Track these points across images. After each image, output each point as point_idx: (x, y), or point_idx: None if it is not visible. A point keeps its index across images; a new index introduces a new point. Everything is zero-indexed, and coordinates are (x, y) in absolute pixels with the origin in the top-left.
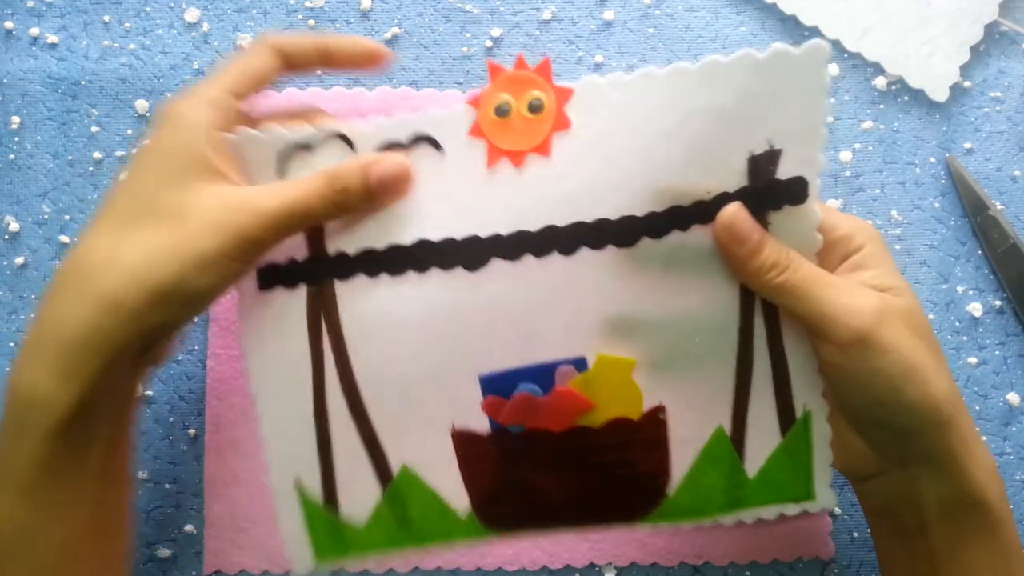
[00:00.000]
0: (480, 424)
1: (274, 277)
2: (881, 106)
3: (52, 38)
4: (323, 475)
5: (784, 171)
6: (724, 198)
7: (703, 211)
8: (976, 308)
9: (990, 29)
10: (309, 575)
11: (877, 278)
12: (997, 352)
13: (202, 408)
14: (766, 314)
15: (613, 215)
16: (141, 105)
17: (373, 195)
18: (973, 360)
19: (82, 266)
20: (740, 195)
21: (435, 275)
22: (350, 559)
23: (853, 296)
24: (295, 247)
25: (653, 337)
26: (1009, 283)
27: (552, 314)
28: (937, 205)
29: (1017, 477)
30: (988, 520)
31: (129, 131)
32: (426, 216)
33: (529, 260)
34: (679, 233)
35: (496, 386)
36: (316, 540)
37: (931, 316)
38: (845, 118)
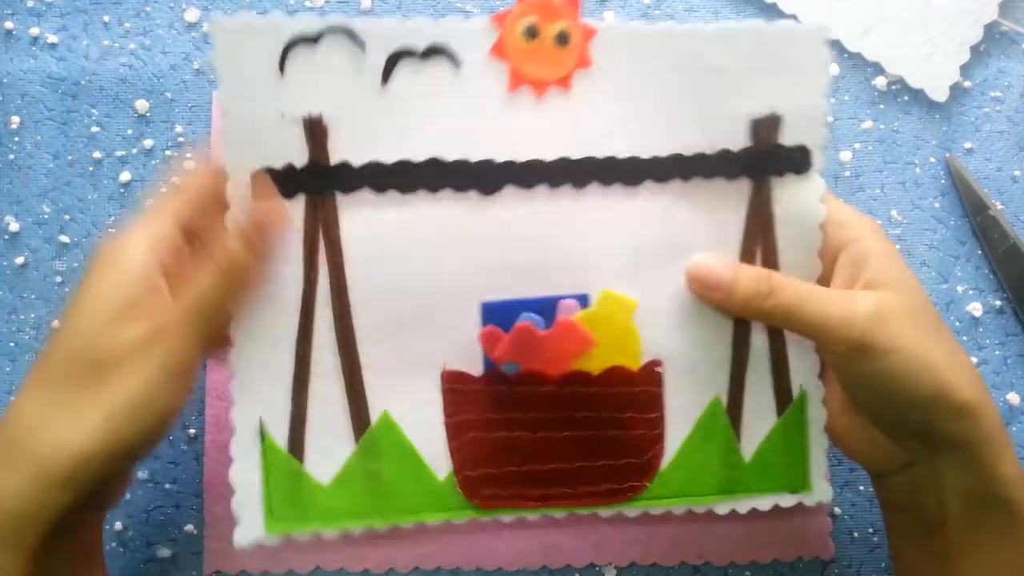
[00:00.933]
0: (473, 365)
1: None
2: (881, 106)
3: (52, 38)
4: (293, 417)
5: (786, 138)
6: (726, 154)
7: (705, 164)
8: (976, 308)
9: (990, 29)
10: (255, 544)
11: (876, 273)
12: (997, 352)
13: (202, 408)
14: None
15: (621, 154)
16: (141, 105)
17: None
18: (973, 360)
19: (11, 434)
20: (743, 154)
21: (447, 196)
22: (307, 528)
23: (843, 305)
24: (294, 149)
25: (655, 286)
26: (1009, 283)
27: (561, 248)
28: (937, 205)
29: None
30: (1009, 517)
31: (129, 131)
32: (438, 133)
33: (543, 190)
34: (680, 182)
35: (497, 315)
36: (271, 501)
37: None
38: (845, 118)
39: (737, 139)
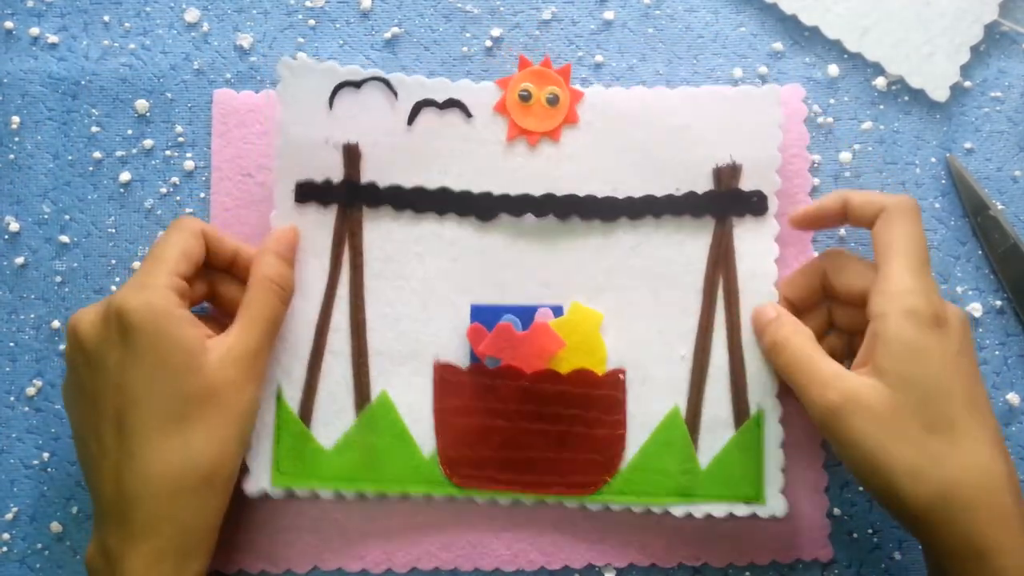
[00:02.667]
0: (461, 358)
1: (310, 192)
2: (881, 106)
3: (52, 38)
4: (306, 387)
5: (745, 184)
6: (693, 196)
7: (674, 204)
8: (976, 308)
9: (990, 29)
10: (261, 493)
11: (882, 359)
12: (997, 352)
13: None
14: (727, 309)
15: (599, 194)
16: (141, 105)
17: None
18: None
19: (170, 467)
20: (707, 197)
21: (451, 219)
22: (307, 486)
23: (818, 386)
24: (333, 168)
25: (624, 305)
26: (1009, 283)
27: (542, 267)
28: (937, 205)
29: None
30: None
31: (129, 131)
32: (449, 169)
33: (529, 219)
34: (652, 219)
35: (483, 316)
36: (279, 457)
37: None
38: (845, 118)
39: (702, 184)
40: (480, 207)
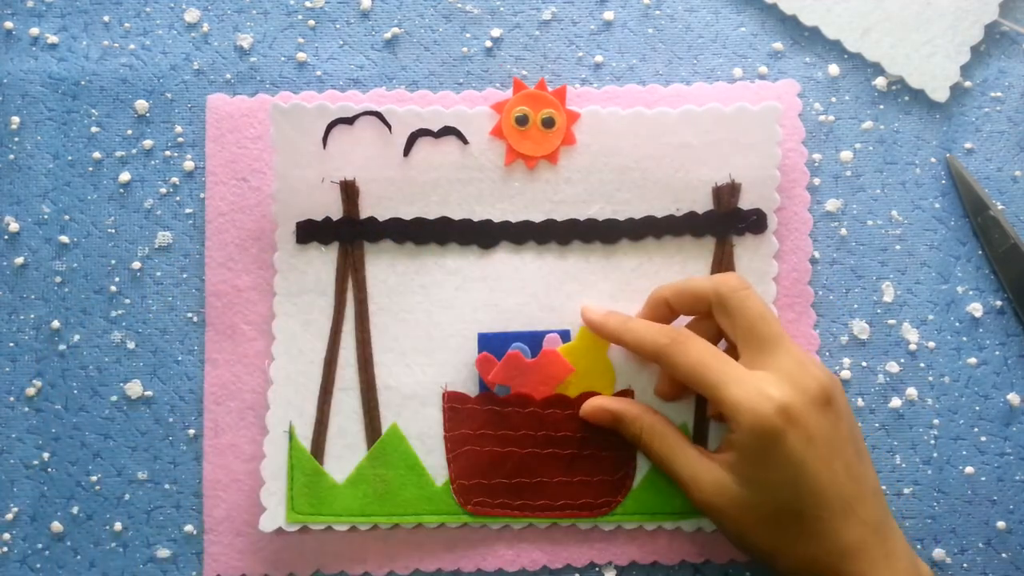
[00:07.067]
0: (471, 387)
1: (311, 232)
2: (881, 106)
3: (52, 38)
4: (317, 423)
5: (744, 203)
6: (693, 216)
7: (674, 224)
8: (976, 308)
9: (990, 29)
10: (277, 529)
11: (727, 457)
12: (997, 352)
13: (202, 409)
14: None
15: (600, 217)
16: (141, 105)
17: None
18: (973, 360)
19: None
20: (707, 216)
21: (453, 248)
22: (322, 521)
23: (691, 483)
24: (332, 206)
25: None
26: (1009, 283)
27: (547, 293)
28: (937, 205)
29: (1017, 477)
30: None
31: (129, 131)
32: (448, 198)
33: (531, 246)
34: (653, 240)
35: (491, 345)
36: (293, 494)
37: (931, 316)
38: (845, 118)
39: (701, 203)
40: (481, 235)
